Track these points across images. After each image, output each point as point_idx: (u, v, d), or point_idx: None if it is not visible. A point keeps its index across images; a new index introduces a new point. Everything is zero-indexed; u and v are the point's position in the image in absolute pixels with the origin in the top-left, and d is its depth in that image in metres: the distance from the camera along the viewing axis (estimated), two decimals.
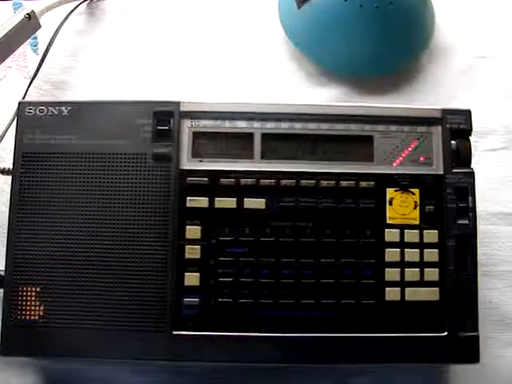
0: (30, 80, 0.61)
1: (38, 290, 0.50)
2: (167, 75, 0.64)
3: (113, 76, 0.64)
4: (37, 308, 0.50)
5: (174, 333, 0.50)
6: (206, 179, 0.51)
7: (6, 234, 0.51)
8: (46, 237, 0.50)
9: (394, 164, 0.53)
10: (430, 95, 0.64)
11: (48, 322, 0.50)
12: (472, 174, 0.52)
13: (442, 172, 0.52)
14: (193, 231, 0.51)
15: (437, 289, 0.51)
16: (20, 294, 0.50)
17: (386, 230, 0.51)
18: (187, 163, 0.52)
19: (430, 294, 0.51)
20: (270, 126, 0.53)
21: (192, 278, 0.50)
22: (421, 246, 0.51)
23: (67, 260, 0.50)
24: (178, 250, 0.50)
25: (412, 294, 0.51)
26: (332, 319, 0.50)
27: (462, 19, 0.68)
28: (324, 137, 0.53)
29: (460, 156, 0.53)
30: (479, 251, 0.52)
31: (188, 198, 0.51)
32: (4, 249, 0.51)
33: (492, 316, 0.57)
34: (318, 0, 0.62)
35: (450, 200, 0.52)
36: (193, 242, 0.51)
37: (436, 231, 0.51)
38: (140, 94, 0.62)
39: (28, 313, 0.50)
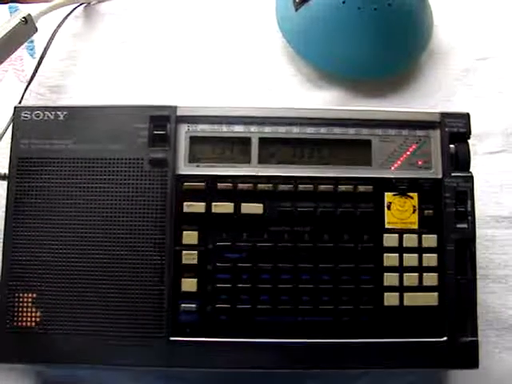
0: (26, 84, 0.61)
1: (34, 296, 0.49)
2: (164, 79, 0.63)
3: (109, 80, 0.63)
4: (33, 314, 0.49)
5: (172, 339, 0.49)
6: (202, 184, 0.51)
7: (1, 240, 0.51)
8: (42, 243, 0.50)
9: (393, 168, 0.52)
10: (429, 98, 0.64)
11: (44, 329, 0.49)
12: (471, 178, 0.52)
13: (440, 176, 0.52)
14: (190, 236, 0.50)
15: (436, 293, 0.50)
16: (16, 300, 0.49)
17: (385, 234, 0.51)
18: (184, 168, 0.52)
19: (429, 299, 0.50)
20: (268, 131, 0.53)
21: (189, 284, 0.50)
22: (419, 250, 0.51)
23: (64, 266, 0.50)
24: (175, 256, 0.50)
25: (411, 298, 0.50)
26: (330, 324, 0.50)
27: (461, 21, 0.68)
28: (322, 141, 0.53)
29: (459, 160, 0.52)
30: (478, 255, 0.52)
31: (185, 203, 0.51)
32: (0, 255, 0.50)
33: (492, 320, 0.57)
34: (315, 2, 0.62)
35: (448, 204, 0.51)
36: (190, 247, 0.50)
37: (435, 235, 0.51)
38: (137, 98, 0.62)
39: (24, 319, 0.49)
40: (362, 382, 0.55)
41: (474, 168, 0.53)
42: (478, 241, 0.52)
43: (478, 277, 0.51)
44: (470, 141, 0.53)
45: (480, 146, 0.62)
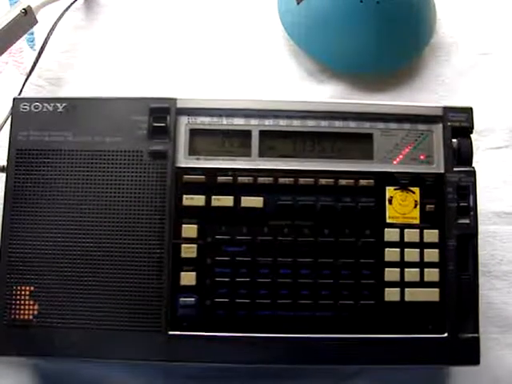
0: (26, 76, 0.60)
1: (32, 289, 0.49)
2: (164, 71, 0.63)
3: (109, 72, 0.63)
4: (31, 307, 0.49)
5: (170, 333, 0.49)
6: (202, 177, 0.51)
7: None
8: (40, 235, 0.50)
9: (394, 162, 0.52)
10: (431, 93, 0.64)
11: (42, 322, 0.49)
12: (473, 173, 0.52)
13: (442, 170, 0.52)
14: (189, 230, 0.50)
15: (437, 289, 0.50)
16: (14, 293, 0.49)
17: (386, 229, 0.51)
18: (184, 161, 0.51)
19: (430, 295, 0.50)
20: (268, 123, 0.52)
21: (188, 278, 0.50)
22: (421, 245, 0.51)
23: (62, 259, 0.49)
24: (174, 249, 0.50)
25: (412, 294, 0.50)
26: (330, 320, 0.50)
27: (464, 15, 0.67)
28: (323, 134, 0.52)
29: (461, 154, 0.52)
30: (480, 251, 0.52)
31: (184, 196, 0.50)
32: None
33: (493, 317, 0.57)
34: None
35: (450, 199, 0.51)
36: (189, 240, 0.50)
37: (436, 231, 0.51)
38: (137, 90, 0.61)
39: (22, 312, 0.49)
40: (360, 378, 0.55)
41: (477, 163, 0.53)
42: (480, 237, 0.52)
43: (480, 273, 0.51)
44: (473, 136, 0.53)
45: (483, 141, 0.61)
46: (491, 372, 0.55)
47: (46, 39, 0.61)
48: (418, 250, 0.51)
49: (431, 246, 0.51)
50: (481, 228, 0.52)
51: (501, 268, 0.58)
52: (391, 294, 0.50)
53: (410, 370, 0.54)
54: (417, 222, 0.51)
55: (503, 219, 0.60)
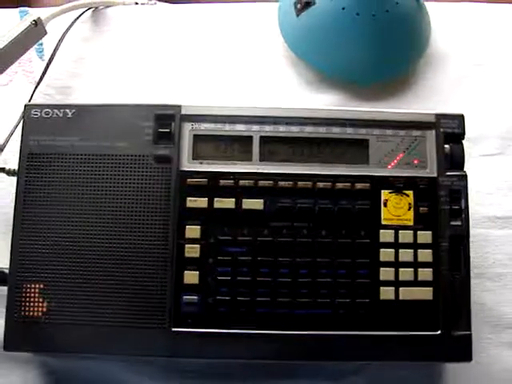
0: (35, 85, 0.62)
1: (41, 286, 0.51)
2: (169, 80, 0.65)
3: (116, 82, 0.65)
4: (40, 304, 0.51)
5: (174, 330, 0.51)
6: (205, 180, 0.53)
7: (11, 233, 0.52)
8: (49, 236, 0.52)
9: (389, 166, 0.54)
10: (426, 102, 0.65)
11: (51, 319, 0.51)
12: (465, 177, 0.53)
13: (435, 175, 0.53)
14: (192, 231, 0.52)
15: (430, 288, 0.52)
16: (24, 290, 0.51)
17: (381, 230, 0.52)
18: (187, 165, 0.53)
19: (424, 294, 0.52)
20: (269, 130, 0.54)
21: (191, 277, 0.51)
22: (415, 246, 0.52)
23: (70, 258, 0.51)
24: (178, 249, 0.51)
25: (406, 293, 0.52)
26: (328, 317, 0.51)
27: (458, 28, 0.69)
28: (321, 140, 0.54)
29: (453, 159, 0.54)
30: (473, 254, 0.53)
31: (188, 198, 0.52)
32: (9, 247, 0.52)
33: (487, 317, 0.58)
34: (316, 8, 0.63)
35: (443, 202, 0.53)
36: (192, 241, 0.52)
37: (430, 232, 0.52)
38: (142, 97, 0.63)
39: (31, 309, 0.51)
40: (358, 376, 0.56)
41: (471, 170, 0.54)
42: (473, 240, 0.53)
43: (473, 275, 0.53)
44: (467, 143, 0.55)
45: (475, 148, 0.63)
46: (486, 369, 0.56)
47: (54, 49, 0.63)
48: (411, 250, 0.52)
49: (425, 246, 0.52)
50: (474, 232, 0.54)
51: (493, 270, 0.59)
52: (386, 293, 0.51)
53: (406, 366, 0.56)
54: (411, 223, 0.53)
55: (496, 223, 0.61)
